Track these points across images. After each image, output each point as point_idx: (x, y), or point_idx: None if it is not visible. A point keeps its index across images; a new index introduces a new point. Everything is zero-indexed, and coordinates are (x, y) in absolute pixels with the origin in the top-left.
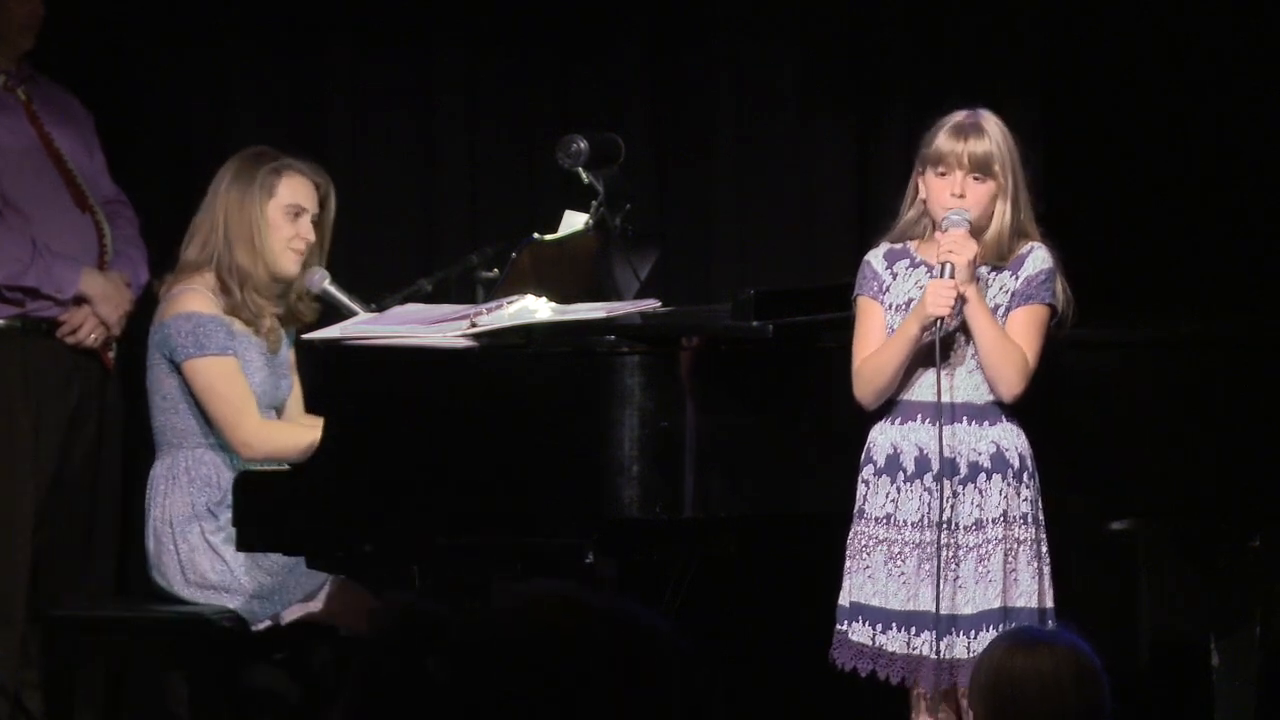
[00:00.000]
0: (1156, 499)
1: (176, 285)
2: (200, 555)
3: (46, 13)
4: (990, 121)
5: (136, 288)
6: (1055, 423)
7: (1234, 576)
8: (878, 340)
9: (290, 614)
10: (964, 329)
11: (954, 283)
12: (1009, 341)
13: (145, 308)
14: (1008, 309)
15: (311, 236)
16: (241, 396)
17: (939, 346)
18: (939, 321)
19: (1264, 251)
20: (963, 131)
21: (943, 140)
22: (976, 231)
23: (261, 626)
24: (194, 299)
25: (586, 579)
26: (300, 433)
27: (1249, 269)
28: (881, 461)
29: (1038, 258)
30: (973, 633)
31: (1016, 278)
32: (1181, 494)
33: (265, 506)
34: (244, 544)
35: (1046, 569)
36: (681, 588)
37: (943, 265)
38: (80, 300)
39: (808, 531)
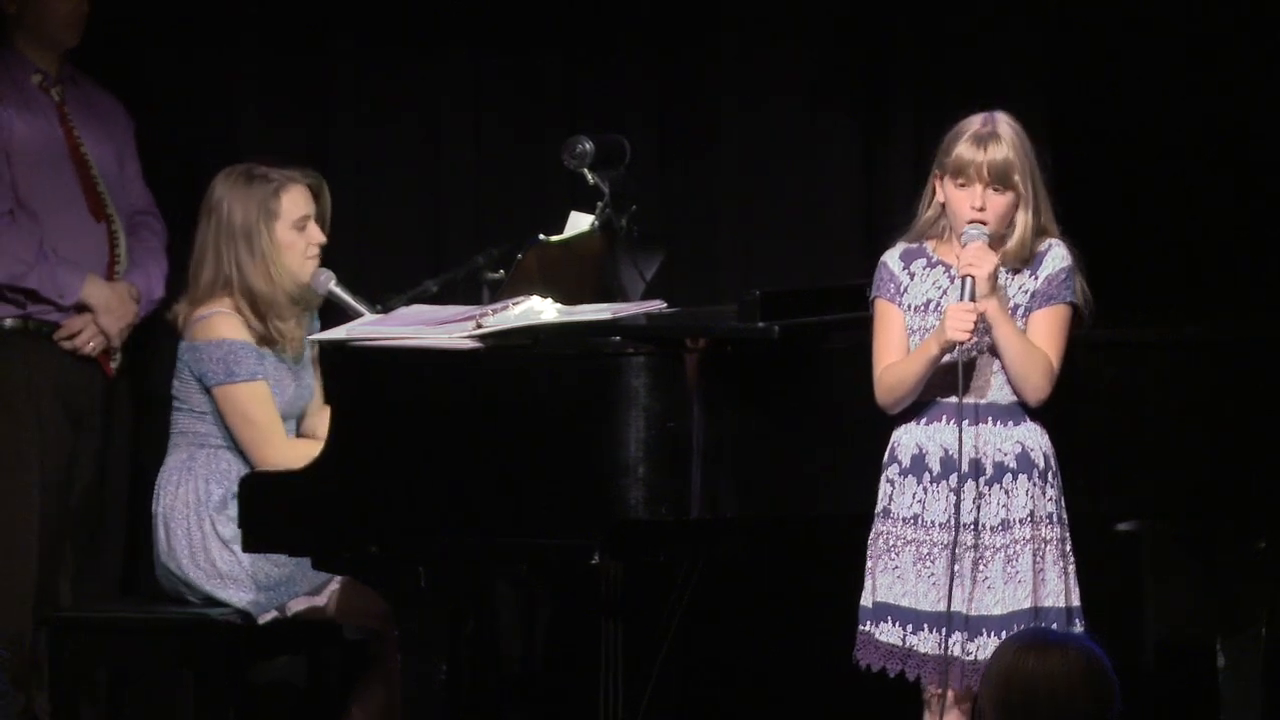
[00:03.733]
0: (1162, 500)
1: (203, 308)
2: (211, 543)
3: (90, 9)
4: (1006, 127)
5: (148, 302)
6: (1061, 423)
7: (1240, 578)
8: (898, 344)
9: (296, 606)
10: (987, 332)
11: (973, 306)
12: (1033, 348)
13: (156, 322)
14: (1027, 309)
15: (322, 238)
16: (270, 422)
17: (962, 370)
18: (960, 345)
19: (1273, 251)
20: (981, 141)
21: (963, 150)
22: (996, 241)
23: (268, 618)
24: (225, 324)
25: (593, 580)
26: None
27: (1258, 269)
28: (907, 462)
29: (1056, 255)
30: (1003, 633)
31: (1036, 277)
32: (1187, 495)
33: (270, 508)
34: (249, 545)
35: (1072, 568)
36: (688, 589)
37: (963, 280)
38: (82, 308)
39: (813, 533)
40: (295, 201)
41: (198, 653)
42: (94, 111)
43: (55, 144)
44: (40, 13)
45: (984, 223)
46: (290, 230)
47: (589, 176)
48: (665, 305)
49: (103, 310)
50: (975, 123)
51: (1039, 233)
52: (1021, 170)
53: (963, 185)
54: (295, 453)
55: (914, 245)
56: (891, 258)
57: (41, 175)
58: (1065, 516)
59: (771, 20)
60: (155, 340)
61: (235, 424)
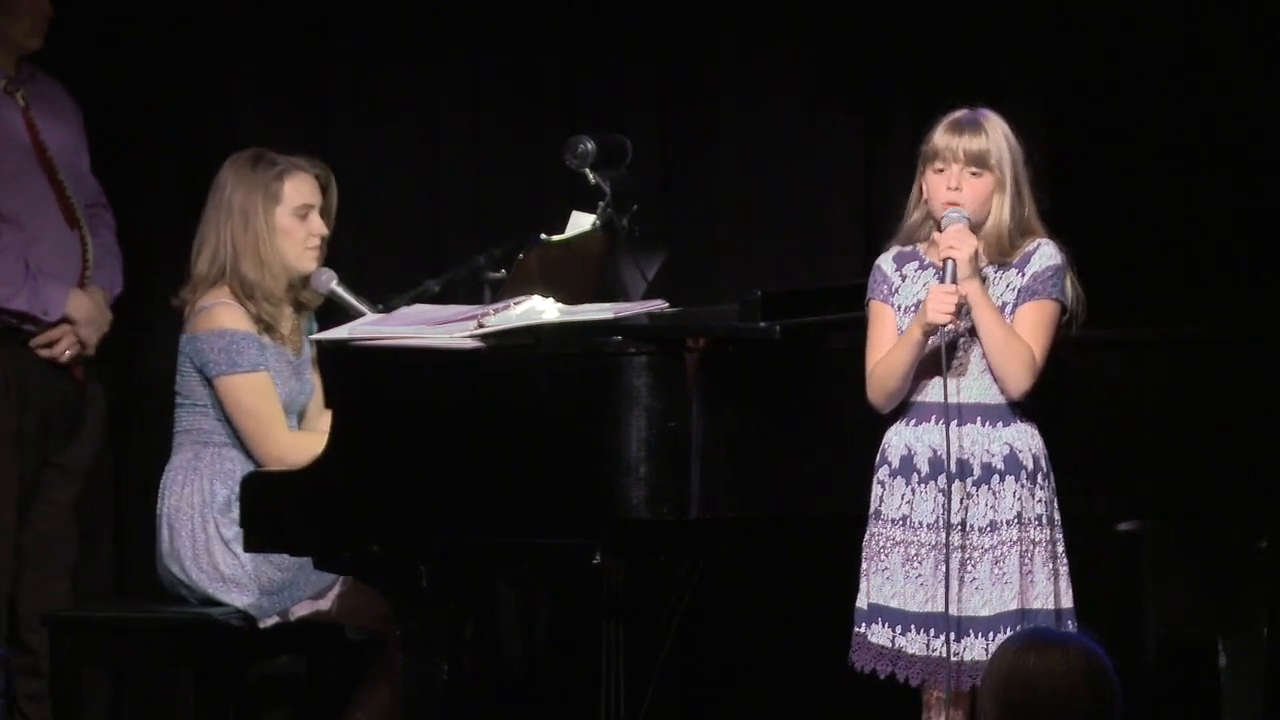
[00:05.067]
0: (1161, 500)
1: (205, 298)
2: (215, 545)
3: (55, 14)
4: (990, 119)
5: (111, 298)
6: (1061, 424)
7: (1239, 578)
8: (890, 343)
9: (299, 610)
10: (973, 331)
11: (954, 288)
12: (1015, 337)
13: (120, 318)
14: (1015, 306)
15: (324, 231)
16: (272, 412)
17: (944, 351)
18: (941, 328)
19: (1271, 251)
20: (959, 127)
21: (939, 136)
22: (975, 227)
23: (270, 622)
24: (227, 314)
25: (593, 580)
26: None
27: (1256, 269)
28: (896, 463)
29: (1044, 254)
30: (990, 634)
31: (1023, 275)
32: (1186, 495)
33: (272, 507)
34: (251, 545)
35: (1064, 570)
36: (688, 589)
37: (944, 262)
38: (63, 320)
39: (813, 533)
40: (298, 189)
41: (197, 652)
42: (53, 108)
43: (24, 151)
44: (5, 19)
45: (959, 204)
46: (290, 216)
47: (590, 176)
48: (666, 305)
49: (84, 323)
50: (957, 112)
51: (1024, 230)
52: (999, 158)
53: (940, 170)
54: (298, 444)
55: (907, 248)
56: (885, 260)
57: (17, 185)
58: (1057, 518)
59: (770, 20)
60: (122, 334)
61: (236, 415)
